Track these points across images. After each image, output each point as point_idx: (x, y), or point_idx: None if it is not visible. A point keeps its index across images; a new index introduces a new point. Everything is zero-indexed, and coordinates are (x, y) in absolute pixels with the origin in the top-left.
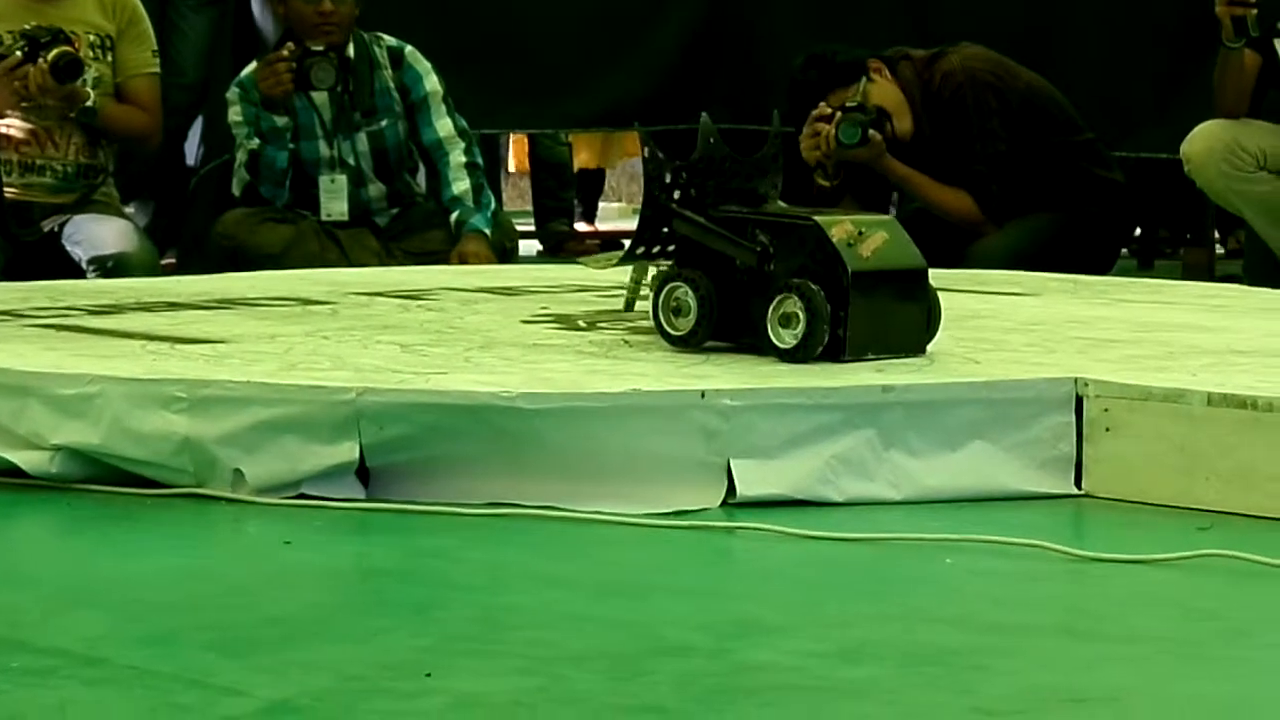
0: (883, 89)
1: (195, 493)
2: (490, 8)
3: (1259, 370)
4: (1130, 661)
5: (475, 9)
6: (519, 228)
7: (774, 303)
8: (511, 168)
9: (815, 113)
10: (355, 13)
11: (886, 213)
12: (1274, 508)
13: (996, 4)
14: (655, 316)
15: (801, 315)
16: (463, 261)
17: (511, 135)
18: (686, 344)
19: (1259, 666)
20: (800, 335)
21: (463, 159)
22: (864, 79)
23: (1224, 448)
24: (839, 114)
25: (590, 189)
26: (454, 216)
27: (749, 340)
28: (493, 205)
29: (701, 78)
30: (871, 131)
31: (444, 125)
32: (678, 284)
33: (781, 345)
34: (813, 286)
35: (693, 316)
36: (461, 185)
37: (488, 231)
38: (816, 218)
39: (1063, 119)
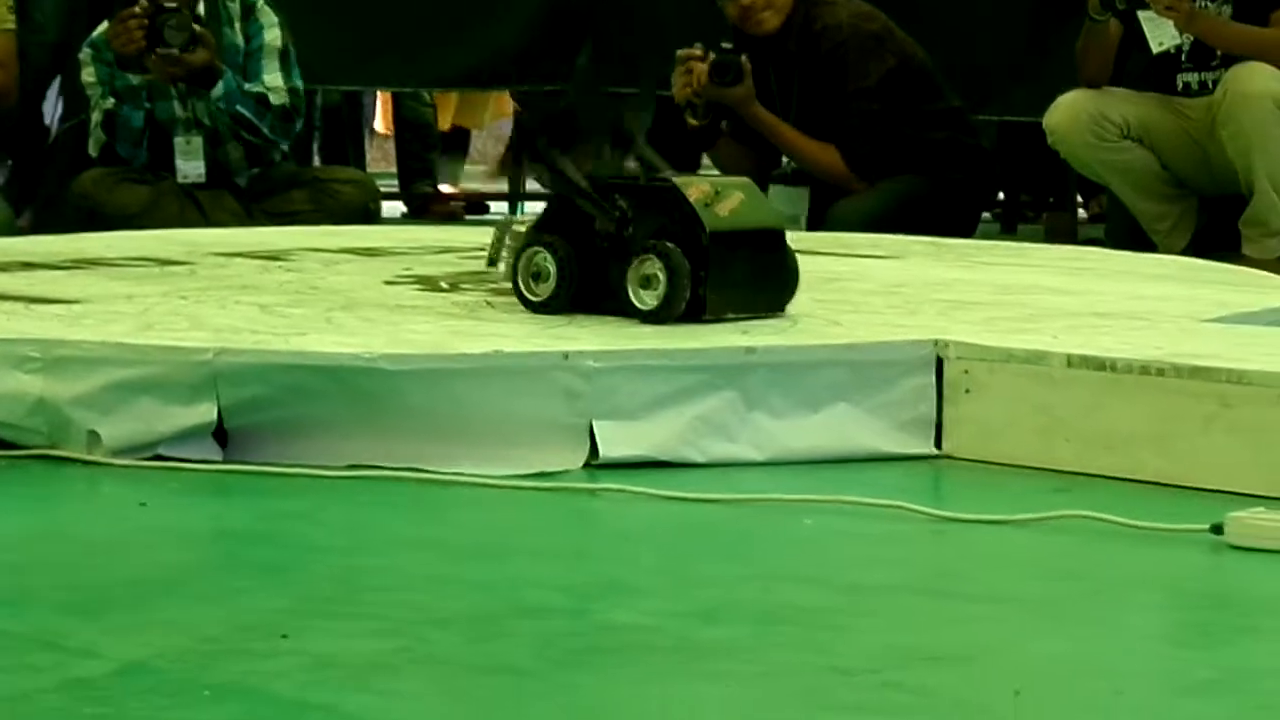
0: None
1: (50, 454)
2: None
3: (1119, 333)
4: (988, 621)
5: None
6: (383, 189)
7: (634, 264)
8: (378, 128)
9: (685, 52)
10: None
11: (774, 158)
12: (1131, 469)
13: None
14: (514, 283)
15: (662, 276)
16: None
17: (378, 96)
18: (546, 310)
19: (1114, 625)
20: (662, 296)
21: (281, 100)
22: None
23: (1083, 409)
24: (711, 54)
25: (455, 150)
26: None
27: (610, 307)
28: (262, 121)
29: (569, 39)
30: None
31: (273, 78)
32: (537, 249)
33: (643, 307)
34: (671, 247)
35: (552, 282)
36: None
37: (220, 83)
38: (673, 179)
39: (932, 85)
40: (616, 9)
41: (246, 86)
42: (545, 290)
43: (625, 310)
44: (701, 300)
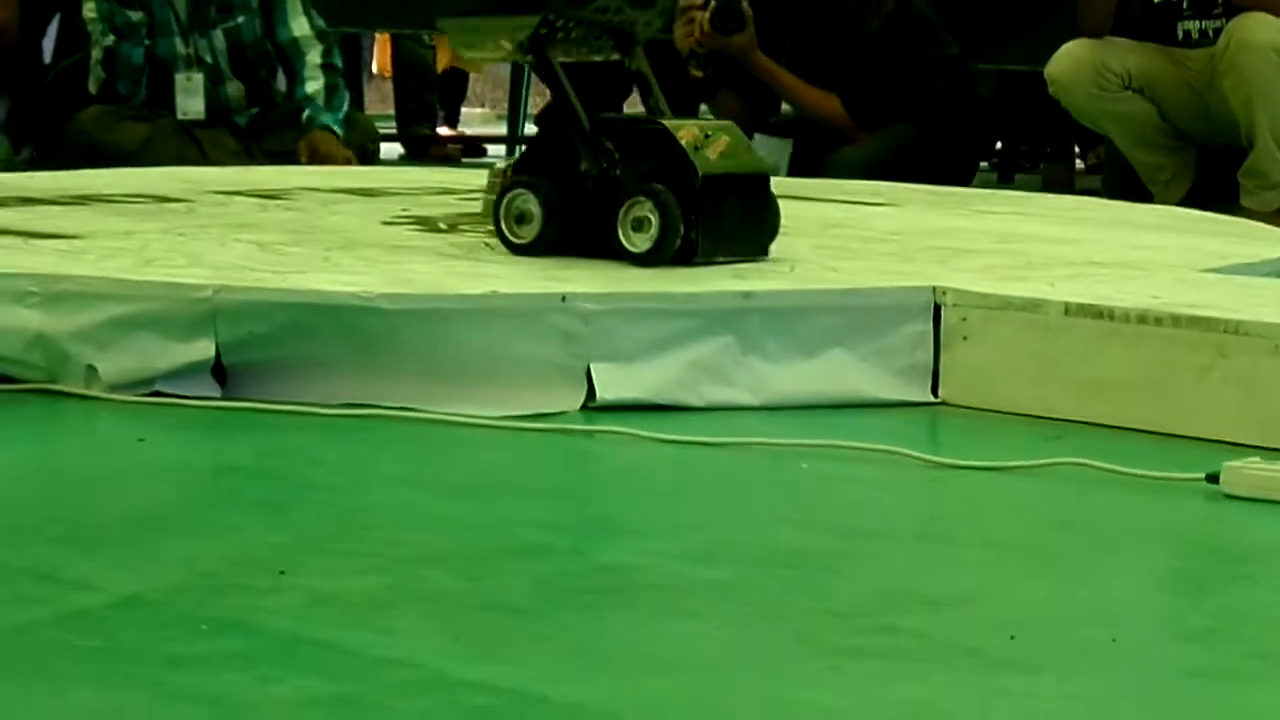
0: None
1: (48, 388)
2: None
3: (1117, 281)
4: (983, 566)
5: None
6: (381, 130)
7: (625, 207)
8: (375, 70)
9: (687, 1)
10: None
11: (774, 107)
12: (1127, 417)
13: None
14: (497, 225)
15: (654, 219)
16: (311, 158)
17: (375, 36)
18: (530, 252)
19: (1107, 571)
20: (654, 239)
21: (318, 59)
22: None
23: (1080, 357)
24: (713, 2)
25: (453, 92)
26: (305, 114)
27: (597, 249)
28: (345, 107)
29: None
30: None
31: (300, 24)
32: (520, 191)
33: (634, 249)
34: (663, 189)
35: (536, 224)
36: (315, 84)
37: (337, 130)
38: (663, 121)
39: (931, 32)
40: None
41: (280, 37)
42: (529, 233)
43: (615, 253)
44: (693, 243)
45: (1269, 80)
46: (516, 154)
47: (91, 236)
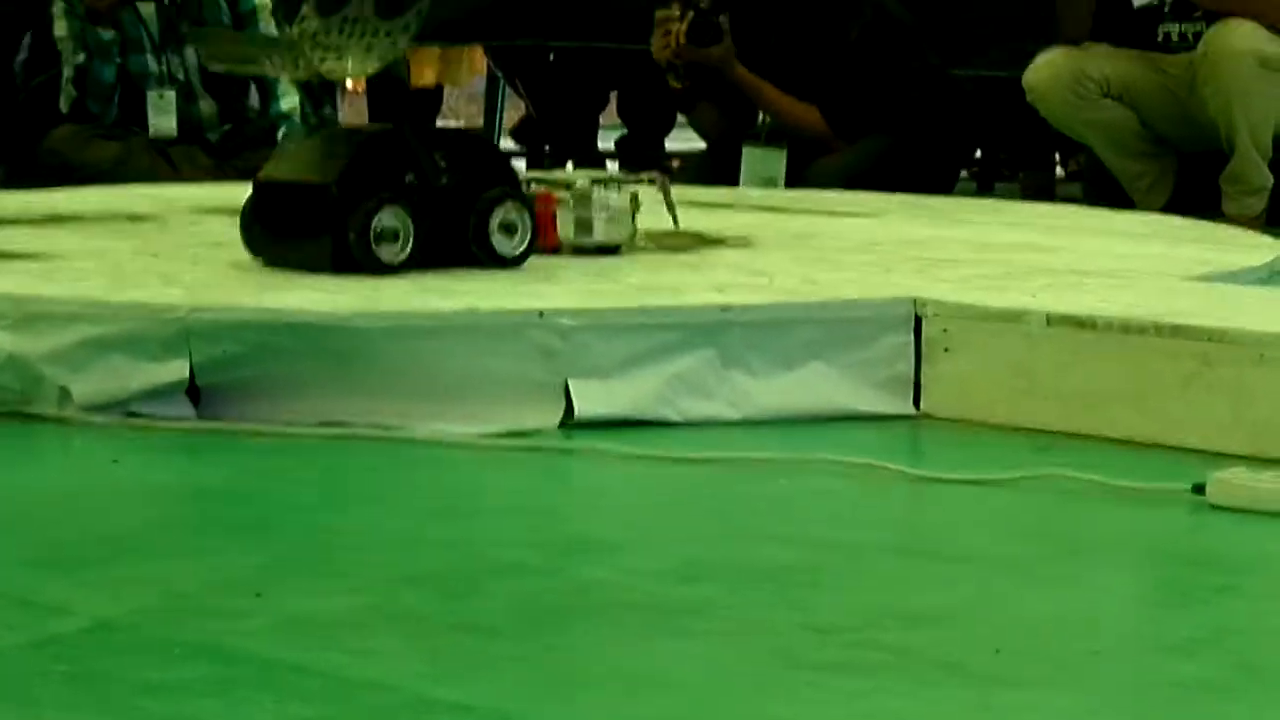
0: None
1: (21, 411)
2: None
3: (1099, 290)
4: (966, 580)
5: None
6: None
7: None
8: (349, 85)
9: (664, 13)
10: None
11: (753, 118)
12: (1111, 428)
13: None
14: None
15: (520, 222)
16: None
17: None
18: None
19: (1091, 585)
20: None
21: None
22: None
23: (1062, 368)
24: (690, 12)
25: (428, 108)
26: (280, 133)
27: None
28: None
29: None
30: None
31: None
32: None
33: (506, 254)
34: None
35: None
36: (290, 101)
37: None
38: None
39: (910, 42)
40: None
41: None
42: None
43: (480, 260)
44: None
45: (1248, 85)
46: None
47: (63, 257)
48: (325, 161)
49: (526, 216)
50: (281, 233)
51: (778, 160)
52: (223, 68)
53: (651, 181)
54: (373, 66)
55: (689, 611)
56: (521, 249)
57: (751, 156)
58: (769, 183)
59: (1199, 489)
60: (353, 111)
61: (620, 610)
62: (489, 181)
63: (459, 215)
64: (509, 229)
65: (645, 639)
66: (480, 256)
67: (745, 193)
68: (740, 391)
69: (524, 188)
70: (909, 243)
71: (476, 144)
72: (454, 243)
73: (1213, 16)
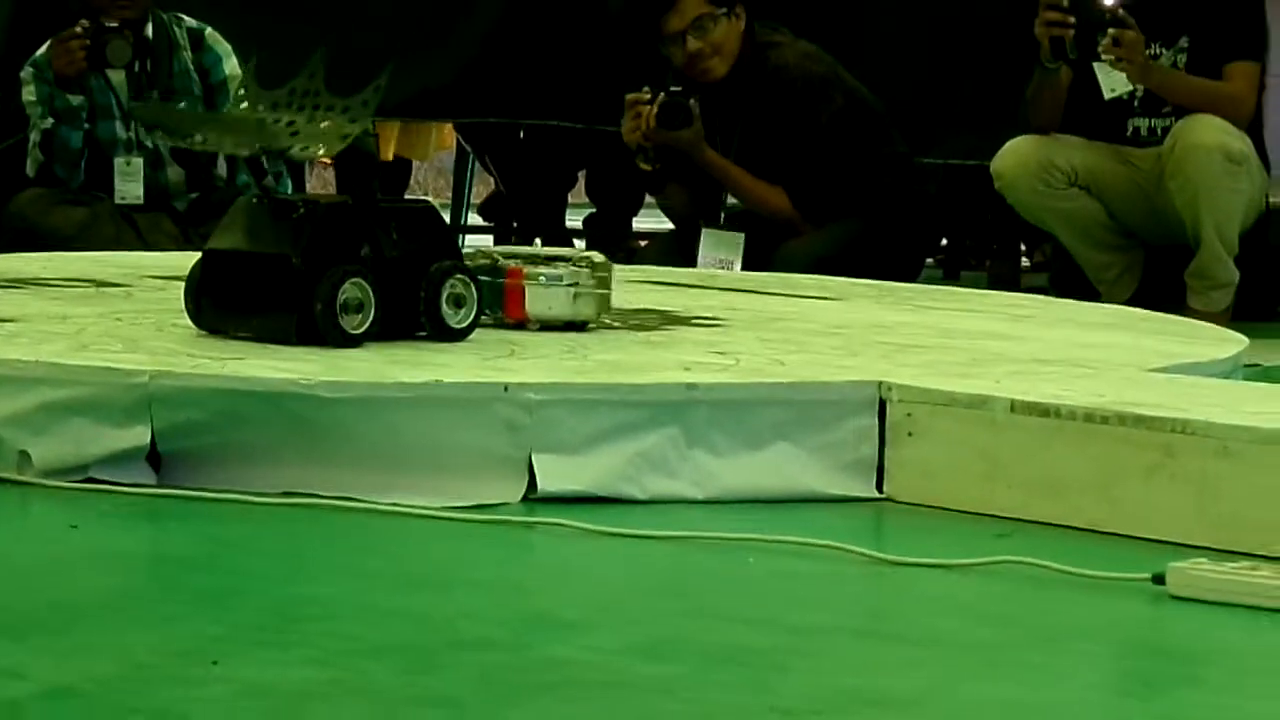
0: (732, 29)
1: None
2: None
3: (1062, 379)
4: (929, 665)
5: None
6: None
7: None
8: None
9: (634, 96)
10: None
11: (719, 199)
12: (1073, 516)
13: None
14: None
15: (468, 295)
16: None
17: None
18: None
19: (1054, 672)
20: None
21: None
22: (728, 9)
23: (1025, 455)
24: (661, 95)
25: (397, 180)
26: None
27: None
28: (287, 194)
29: (510, 70)
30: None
31: None
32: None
33: (455, 326)
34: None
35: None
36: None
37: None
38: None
39: (879, 128)
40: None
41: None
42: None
43: (430, 332)
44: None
45: (1214, 182)
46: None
47: (26, 320)
48: (284, 233)
49: (473, 289)
50: (237, 304)
51: (734, 244)
52: (163, 140)
53: (590, 265)
54: (335, 145)
55: (656, 690)
56: (468, 322)
57: (709, 239)
58: (725, 265)
59: (1159, 579)
60: (319, 183)
61: (584, 688)
62: (436, 253)
63: (410, 287)
64: (458, 301)
65: (611, 717)
66: (429, 329)
67: (714, 274)
68: (704, 471)
69: (493, 262)
70: (875, 327)
71: (423, 215)
72: (405, 315)
73: (1181, 111)
